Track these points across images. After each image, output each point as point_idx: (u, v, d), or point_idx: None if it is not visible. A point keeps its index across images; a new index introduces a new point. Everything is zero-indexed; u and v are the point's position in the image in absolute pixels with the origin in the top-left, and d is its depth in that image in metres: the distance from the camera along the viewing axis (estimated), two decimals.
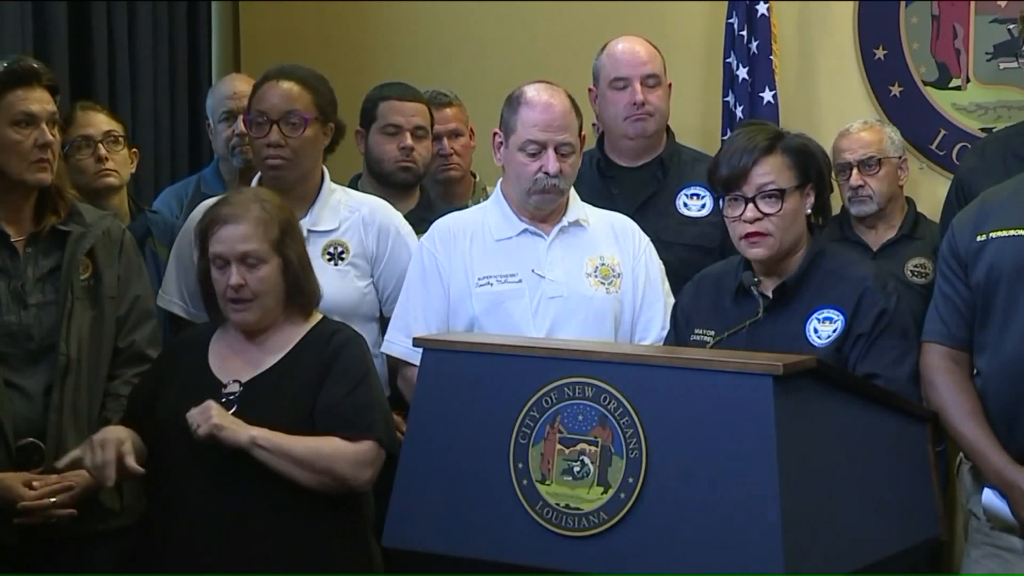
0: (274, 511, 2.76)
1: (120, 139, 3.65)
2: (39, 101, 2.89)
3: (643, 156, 3.72)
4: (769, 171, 2.82)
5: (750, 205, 2.81)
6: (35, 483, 2.84)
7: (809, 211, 2.87)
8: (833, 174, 3.96)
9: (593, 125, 3.83)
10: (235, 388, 2.81)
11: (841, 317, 2.78)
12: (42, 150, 2.89)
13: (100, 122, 3.64)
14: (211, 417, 2.70)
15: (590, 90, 3.77)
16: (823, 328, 2.79)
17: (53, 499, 2.83)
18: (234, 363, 2.87)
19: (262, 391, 2.81)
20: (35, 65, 2.94)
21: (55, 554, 2.91)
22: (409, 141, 3.69)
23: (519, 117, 3.11)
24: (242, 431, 2.71)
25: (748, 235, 2.82)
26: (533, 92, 3.13)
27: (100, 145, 3.59)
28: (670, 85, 3.76)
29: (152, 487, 2.89)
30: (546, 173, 3.08)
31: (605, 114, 3.74)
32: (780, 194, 2.81)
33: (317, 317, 2.94)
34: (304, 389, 2.81)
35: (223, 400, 2.78)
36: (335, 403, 2.80)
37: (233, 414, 2.75)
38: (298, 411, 2.78)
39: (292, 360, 2.85)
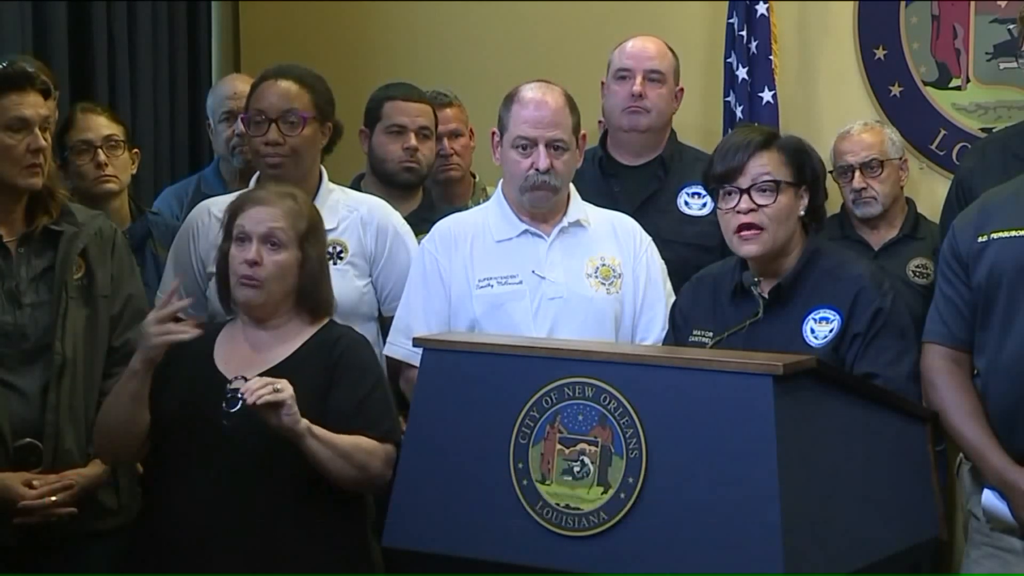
0: (275, 511, 2.75)
1: (120, 143, 3.63)
2: (32, 106, 2.88)
3: (644, 154, 3.72)
4: (765, 163, 2.82)
5: (744, 196, 2.81)
6: (35, 482, 2.84)
7: (803, 213, 2.87)
8: (832, 176, 3.99)
9: (599, 122, 3.83)
10: (240, 384, 2.78)
11: (837, 317, 2.78)
12: (34, 155, 2.88)
13: (100, 126, 3.62)
14: (285, 390, 2.65)
15: (602, 83, 3.78)
16: (820, 328, 2.79)
17: (54, 498, 2.84)
18: (240, 360, 2.85)
19: None
20: (28, 69, 2.92)
21: (52, 553, 2.90)
22: (413, 142, 3.68)
23: (512, 114, 3.12)
24: (302, 418, 2.68)
25: (740, 230, 2.81)
26: (527, 90, 3.14)
27: (100, 151, 3.58)
28: (682, 90, 3.76)
29: (151, 483, 2.88)
30: (537, 169, 3.08)
31: (607, 106, 3.74)
32: (775, 186, 2.81)
33: (324, 319, 2.94)
34: (312, 390, 2.78)
35: (228, 396, 2.75)
36: (358, 402, 2.80)
37: (237, 411, 2.72)
38: (305, 412, 2.75)
39: (299, 360, 2.84)
